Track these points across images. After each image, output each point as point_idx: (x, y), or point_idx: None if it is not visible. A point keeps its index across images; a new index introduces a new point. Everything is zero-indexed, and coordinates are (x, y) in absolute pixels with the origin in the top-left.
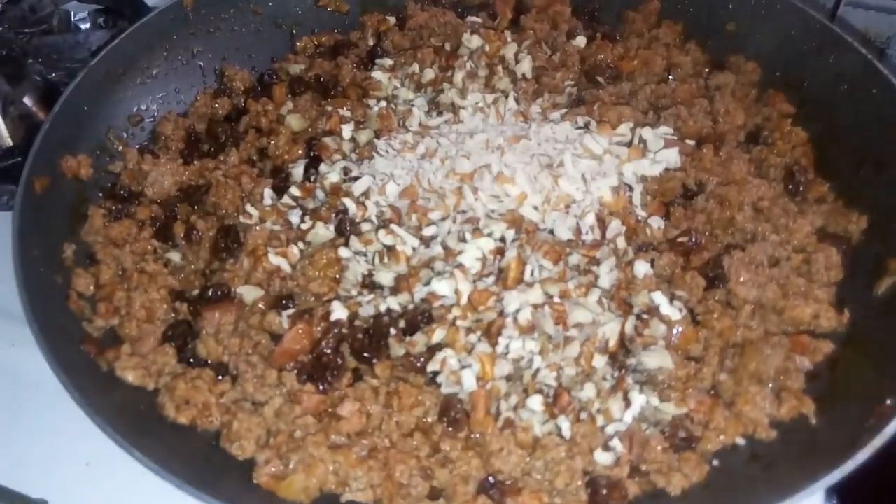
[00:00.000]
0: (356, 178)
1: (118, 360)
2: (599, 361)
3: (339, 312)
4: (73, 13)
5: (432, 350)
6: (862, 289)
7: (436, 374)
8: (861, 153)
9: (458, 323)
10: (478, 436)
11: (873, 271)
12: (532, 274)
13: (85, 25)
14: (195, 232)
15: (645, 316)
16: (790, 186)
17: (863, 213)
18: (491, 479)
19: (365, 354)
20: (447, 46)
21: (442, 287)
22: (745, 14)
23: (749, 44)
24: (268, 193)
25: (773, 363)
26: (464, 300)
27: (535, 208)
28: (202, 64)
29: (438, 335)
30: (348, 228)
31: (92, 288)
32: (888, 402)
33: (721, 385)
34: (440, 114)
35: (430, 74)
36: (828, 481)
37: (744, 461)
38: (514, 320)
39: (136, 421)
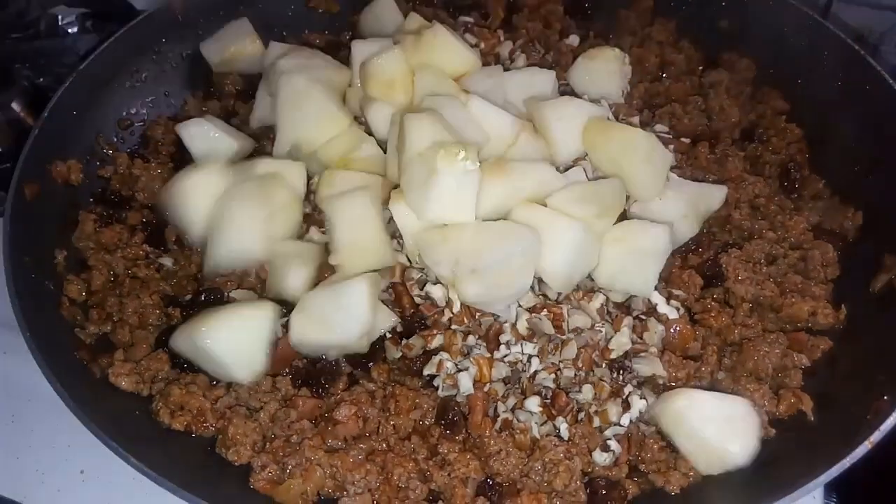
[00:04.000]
0: None
1: (111, 366)
2: (598, 363)
3: None
4: (60, 17)
5: (429, 353)
6: (859, 285)
7: (433, 377)
8: (856, 149)
9: (454, 327)
10: (476, 438)
11: (869, 267)
12: None
13: (72, 29)
14: (186, 237)
15: (643, 317)
16: (786, 183)
17: (858, 209)
18: (489, 481)
19: (361, 358)
20: None
21: (436, 291)
22: (737, 11)
23: (743, 41)
24: None
25: (771, 361)
26: (456, 308)
27: None
28: (192, 67)
29: (437, 341)
30: None
31: (84, 294)
32: (885, 397)
33: (719, 383)
34: None
35: None
36: (825, 478)
37: None
38: (511, 326)
39: (130, 428)
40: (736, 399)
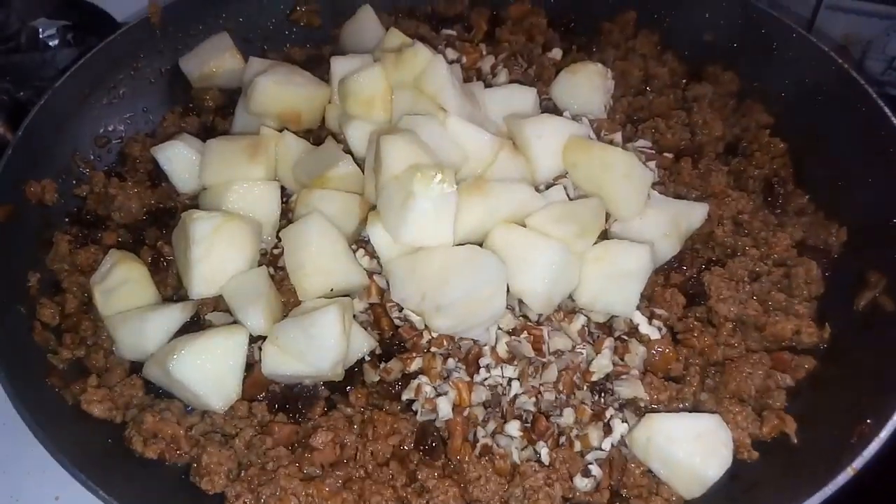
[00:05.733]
0: None
1: (84, 393)
2: (579, 386)
3: None
4: (41, 30)
5: (408, 376)
6: (843, 303)
7: (412, 401)
8: (840, 164)
9: (434, 350)
10: (455, 463)
11: (854, 285)
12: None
13: (53, 42)
14: (162, 259)
15: (625, 338)
16: (770, 199)
17: (843, 225)
18: None
19: (339, 382)
20: None
21: (414, 314)
22: (721, 24)
23: (726, 54)
24: None
25: (754, 382)
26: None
27: None
28: (170, 82)
29: (416, 364)
30: None
31: (57, 318)
32: (869, 421)
33: (702, 405)
34: None
35: None
36: None
37: (725, 482)
38: (491, 349)
39: (102, 456)
40: (702, 416)
